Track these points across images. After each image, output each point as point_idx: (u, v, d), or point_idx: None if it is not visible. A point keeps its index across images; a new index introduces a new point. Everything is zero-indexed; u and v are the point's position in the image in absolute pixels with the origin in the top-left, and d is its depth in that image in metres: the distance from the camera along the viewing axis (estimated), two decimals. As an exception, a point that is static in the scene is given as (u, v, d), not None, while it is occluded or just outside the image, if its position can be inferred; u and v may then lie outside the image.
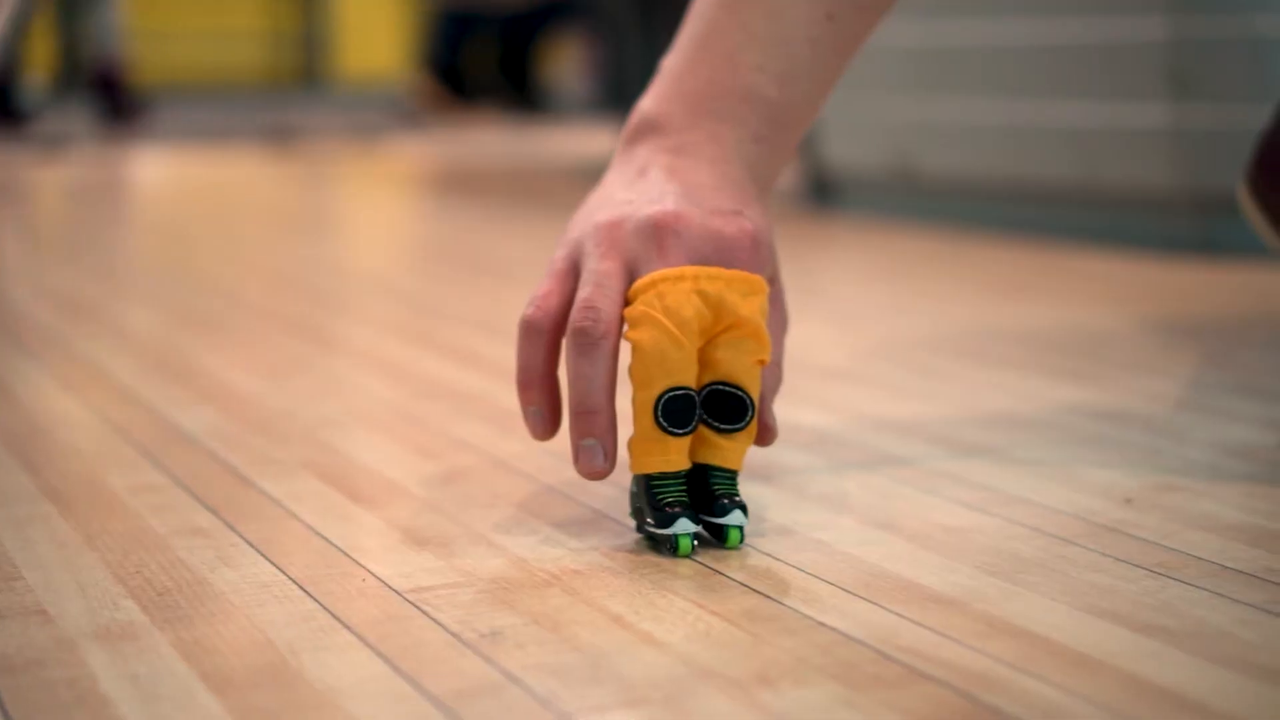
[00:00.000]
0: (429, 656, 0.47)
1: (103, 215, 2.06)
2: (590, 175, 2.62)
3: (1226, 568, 0.53)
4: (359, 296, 1.29)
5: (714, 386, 0.57)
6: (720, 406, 0.57)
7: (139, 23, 5.29)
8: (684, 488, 0.56)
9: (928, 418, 0.77)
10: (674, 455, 0.56)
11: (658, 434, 0.56)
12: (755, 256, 0.58)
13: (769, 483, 0.65)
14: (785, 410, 0.78)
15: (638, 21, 2.39)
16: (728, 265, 0.58)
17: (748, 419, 0.57)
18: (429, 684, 0.45)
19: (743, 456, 0.57)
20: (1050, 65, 1.41)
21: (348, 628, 0.50)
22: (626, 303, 0.57)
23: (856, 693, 0.44)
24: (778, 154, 0.63)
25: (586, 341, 0.56)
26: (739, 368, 0.56)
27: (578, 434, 0.57)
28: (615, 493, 0.64)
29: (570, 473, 0.67)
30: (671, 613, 0.51)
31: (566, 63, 4.99)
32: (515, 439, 0.74)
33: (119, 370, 0.92)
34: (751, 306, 0.57)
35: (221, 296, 1.25)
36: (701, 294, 0.56)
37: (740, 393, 0.56)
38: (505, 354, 0.95)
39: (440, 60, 4.18)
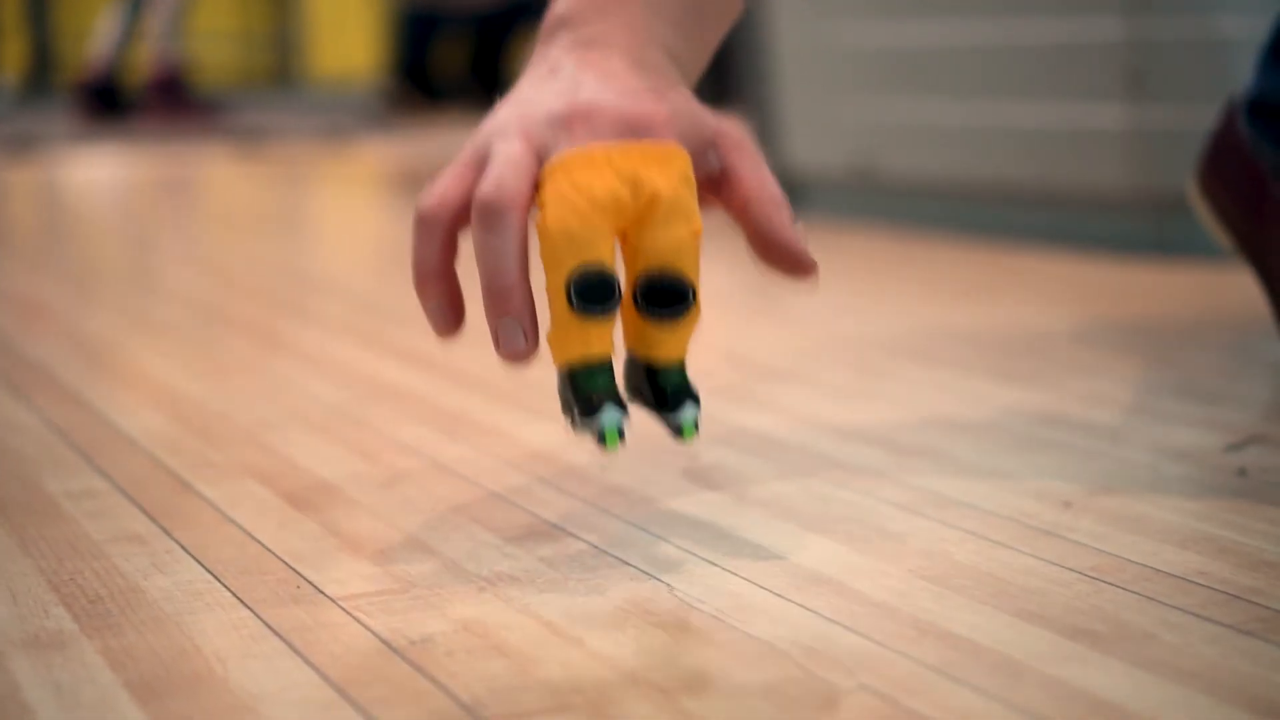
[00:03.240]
0: (357, 664, 0.47)
1: (67, 217, 2.05)
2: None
3: (1159, 571, 0.53)
4: (313, 298, 1.28)
5: (647, 275, 0.53)
6: (658, 295, 0.53)
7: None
8: (610, 375, 0.53)
9: (870, 420, 0.77)
10: (594, 341, 0.53)
11: (573, 318, 0.52)
12: (668, 132, 0.55)
13: (710, 487, 0.65)
14: (729, 412, 0.78)
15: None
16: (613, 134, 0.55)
17: (686, 304, 0.53)
18: (354, 692, 0.45)
19: (688, 342, 0.54)
20: (1008, 66, 1.42)
21: (277, 635, 0.50)
22: (537, 188, 0.54)
23: (783, 700, 0.44)
24: (696, 41, 0.61)
25: (490, 213, 0.53)
26: (668, 246, 0.53)
27: (493, 314, 0.54)
28: (555, 497, 0.64)
29: (513, 478, 0.67)
30: (602, 619, 0.51)
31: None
32: (458, 443, 0.74)
33: (67, 373, 0.92)
34: (669, 176, 0.53)
35: (176, 299, 1.25)
36: (615, 169, 0.53)
37: (673, 276, 0.53)
38: (454, 357, 0.95)
39: (407, 61, 4.17)
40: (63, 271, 1.44)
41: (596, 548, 0.58)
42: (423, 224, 0.55)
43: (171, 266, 1.48)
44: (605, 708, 0.44)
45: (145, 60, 3.66)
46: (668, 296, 0.53)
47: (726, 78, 2.77)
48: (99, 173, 2.72)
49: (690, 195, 0.54)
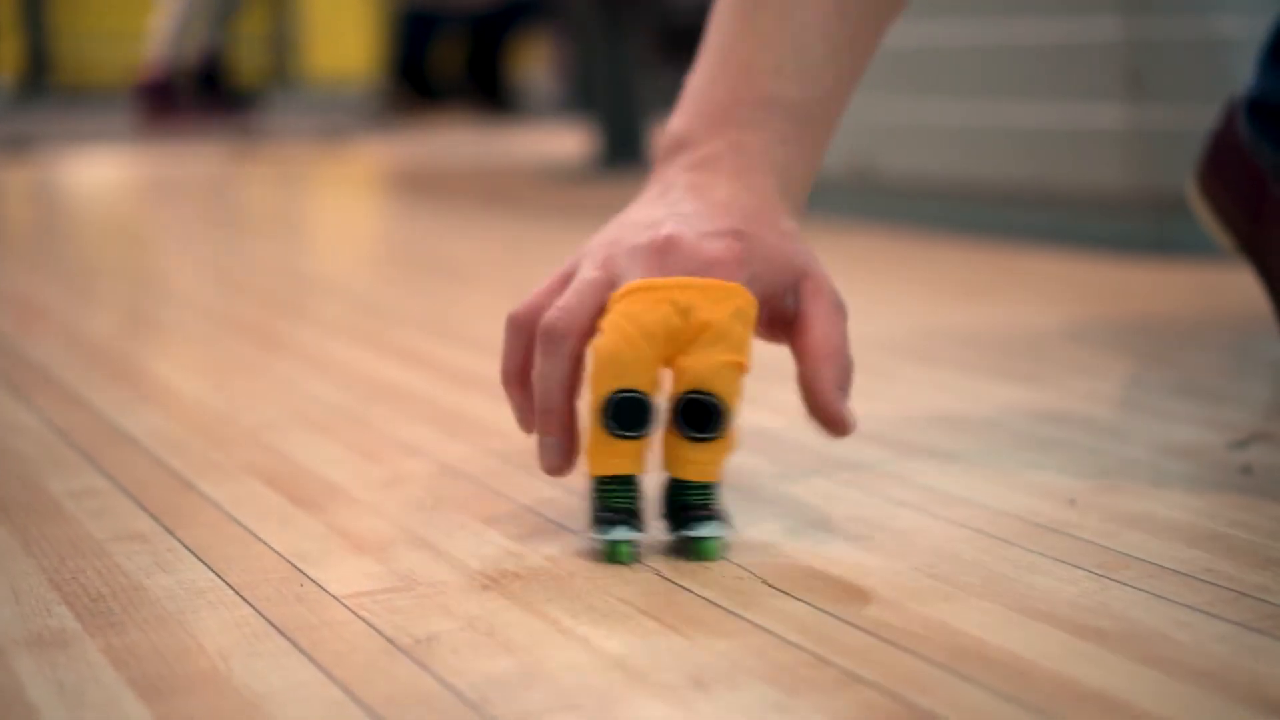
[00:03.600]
0: (362, 663, 0.47)
1: (63, 217, 2.05)
2: (556, 176, 2.61)
3: (1165, 569, 0.53)
4: (311, 298, 1.28)
5: (686, 396, 0.55)
6: (693, 416, 0.55)
7: (103, 24, 5.27)
8: (633, 494, 0.56)
9: (874, 419, 0.77)
10: (624, 459, 0.55)
11: (604, 436, 0.55)
12: (738, 274, 0.57)
13: (713, 485, 0.65)
14: (734, 412, 0.78)
15: (604, 22, 2.39)
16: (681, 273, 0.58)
17: (718, 427, 0.55)
18: (359, 690, 0.45)
19: (718, 466, 0.56)
20: (1007, 66, 1.42)
21: (282, 634, 0.49)
22: (603, 312, 0.57)
23: (789, 696, 0.44)
24: (807, 153, 0.64)
25: (548, 338, 0.57)
26: (707, 369, 0.55)
27: (540, 431, 0.58)
28: (559, 495, 0.64)
29: (516, 477, 0.67)
30: (609, 617, 0.50)
31: (535, 63, 4.98)
32: (461, 442, 0.73)
33: (66, 374, 0.91)
34: (722, 310, 0.56)
35: (174, 299, 1.24)
36: (672, 302, 0.56)
37: (709, 399, 0.55)
38: (455, 356, 0.95)
39: (404, 60, 4.17)
40: (60, 272, 1.43)
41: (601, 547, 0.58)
42: (510, 328, 0.60)
43: (170, 267, 1.47)
44: (613, 706, 0.43)
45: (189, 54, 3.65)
46: (701, 417, 0.55)
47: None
48: (96, 173, 2.72)
49: (742, 330, 0.56)
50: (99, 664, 0.47)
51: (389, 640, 0.49)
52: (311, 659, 0.47)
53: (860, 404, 0.81)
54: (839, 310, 0.59)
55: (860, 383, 0.86)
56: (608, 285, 0.58)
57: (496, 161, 2.79)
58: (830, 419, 0.58)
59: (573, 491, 0.65)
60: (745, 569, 0.55)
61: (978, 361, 0.90)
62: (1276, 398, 0.82)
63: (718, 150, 0.62)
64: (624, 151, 2.37)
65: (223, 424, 0.79)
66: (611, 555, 0.55)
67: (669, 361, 0.56)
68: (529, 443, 0.73)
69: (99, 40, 5.34)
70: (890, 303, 1.15)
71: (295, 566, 0.56)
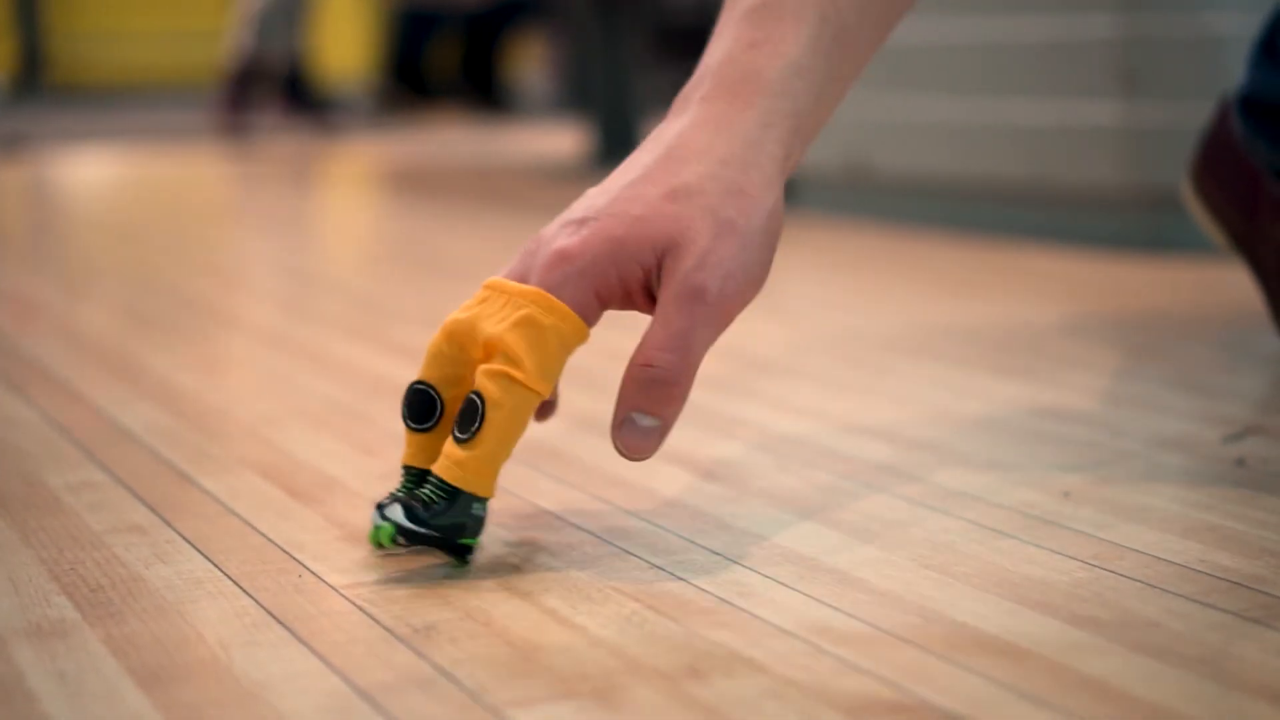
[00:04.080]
0: (361, 651, 0.47)
1: (58, 216, 2.05)
2: (551, 174, 2.61)
3: (1160, 559, 0.54)
4: (308, 295, 1.28)
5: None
6: (460, 414, 0.55)
7: (97, 23, 5.27)
8: (412, 483, 0.56)
9: (869, 413, 0.77)
10: (411, 449, 0.56)
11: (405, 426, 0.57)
12: (563, 267, 0.55)
13: (711, 479, 0.65)
14: (728, 406, 0.78)
15: (600, 21, 2.39)
16: (526, 276, 0.56)
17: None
18: (359, 679, 0.45)
19: (450, 461, 0.54)
20: (1002, 64, 1.42)
21: (280, 623, 0.50)
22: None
23: (786, 686, 0.44)
24: (820, 76, 0.58)
25: None
26: (479, 376, 0.54)
27: None
28: (554, 487, 0.64)
29: (510, 469, 0.67)
30: (605, 606, 0.51)
31: (529, 62, 4.98)
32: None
33: (64, 369, 0.92)
34: (503, 321, 0.54)
35: (170, 295, 1.24)
36: (481, 303, 0.56)
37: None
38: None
39: (401, 59, 4.17)
40: (55, 269, 1.44)
41: (598, 537, 0.58)
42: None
43: (164, 264, 1.47)
44: (611, 694, 0.44)
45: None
46: (463, 415, 0.54)
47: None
48: (90, 171, 2.72)
49: (515, 339, 0.54)
50: (99, 653, 0.47)
51: (387, 630, 0.49)
52: (310, 648, 0.47)
53: (857, 399, 0.81)
54: (686, 299, 0.54)
55: (856, 377, 0.86)
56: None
57: (492, 160, 2.79)
58: (614, 444, 0.55)
59: (568, 484, 0.65)
60: (741, 560, 0.55)
61: (974, 357, 0.91)
62: (1269, 392, 0.82)
63: (688, 85, 0.58)
64: (620, 149, 2.37)
65: (220, 418, 0.79)
66: (372, 536, 0.53)
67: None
68: (528, 437, 0.73)
69: (93, 40, 5.34)
70: (886, 299, 1.16)
71: (293, 557, 0.56)
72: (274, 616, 0.50)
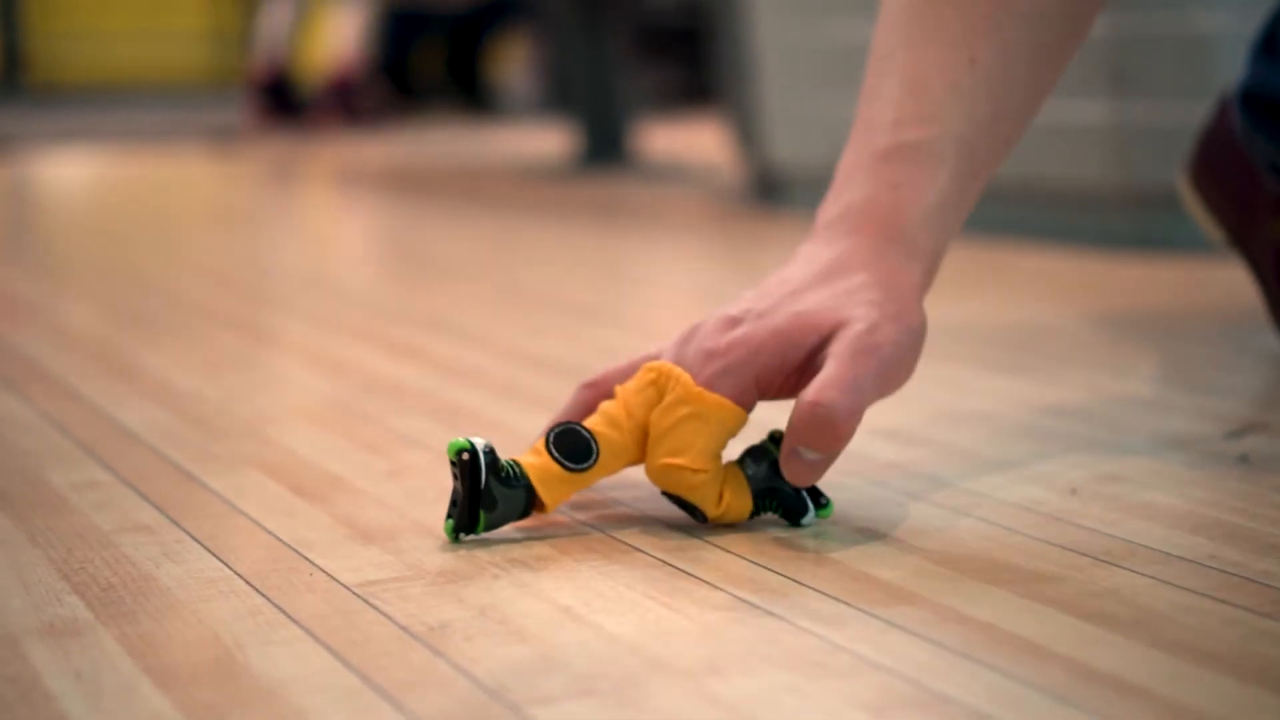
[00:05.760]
0: (377, 650, 0.47)
1: (43, 215, 2.04)
2: (537, 175, 2.60)
3: (1170, 555, 0.54)
4: (299, 294, 1.28)
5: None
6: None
7: (82, 22, 5.26)
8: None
9: (871, 412, 0.77)
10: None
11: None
12: (718, 362, 0.58)
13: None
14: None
15: (583, 22, 2.39)
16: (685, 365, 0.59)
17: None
18: (377, 677, 0.45)
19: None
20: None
21: (295, 622, 0.49)
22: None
23: (805, 681, 0.44)
24: (927, 188, 0.62)
25: (583, 383, 0.64)
26: (653, 472, 0.58)
27: None
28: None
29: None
30: (621, 604, 0.51)
31: (514, 63, 4.98)
32: (461, 434, 0.73)
33: (59, 368, 0.91)
34: (670, 417, 0.58)
35: (161, 295, 1.24)
36: (645, 389, 0.59)
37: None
38: (449, 350, 0.95)
39: (387, 60, 4.17)
40: (43, 268, 1.43)
41: (608, 535, 0.58)
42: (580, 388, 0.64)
43: (153, 263, 1.47)
44: (630, 691, 0.44)
45: (326, 59, 3.65)
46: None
47: (708, 75, 2.78)
48: (74, 171, 2.71)
49: (682, 430, 0.58)
50: (114, 652, 0.47)
51: (402, 628, 0.49)
52: (327, 646, 0.47)
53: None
54: (861, 352, 0.57)
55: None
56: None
57: (478, 160, 2.79)
58: (782, 471, 0.58)
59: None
60: (754, 558, 0.55)
61: (970, 355, 0.91)
62: (1267, 388, 0.83)
63: (828, 217, 0.63)
64: (604, 150, 2.37)
65: (220, 417, 0.79)
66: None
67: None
68: (531, 433, 0.73)
69: (73, 39, 5.32)
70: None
71: (304, 556, 0.56)
72: (288, 615, 0.50)
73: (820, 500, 0.59)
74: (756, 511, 0.59)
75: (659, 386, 0.59)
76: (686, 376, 0.58)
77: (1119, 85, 1.31)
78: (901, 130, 0.62)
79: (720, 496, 0.58)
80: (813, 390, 0.56)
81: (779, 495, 0.59)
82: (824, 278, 0.60)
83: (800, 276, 0.60)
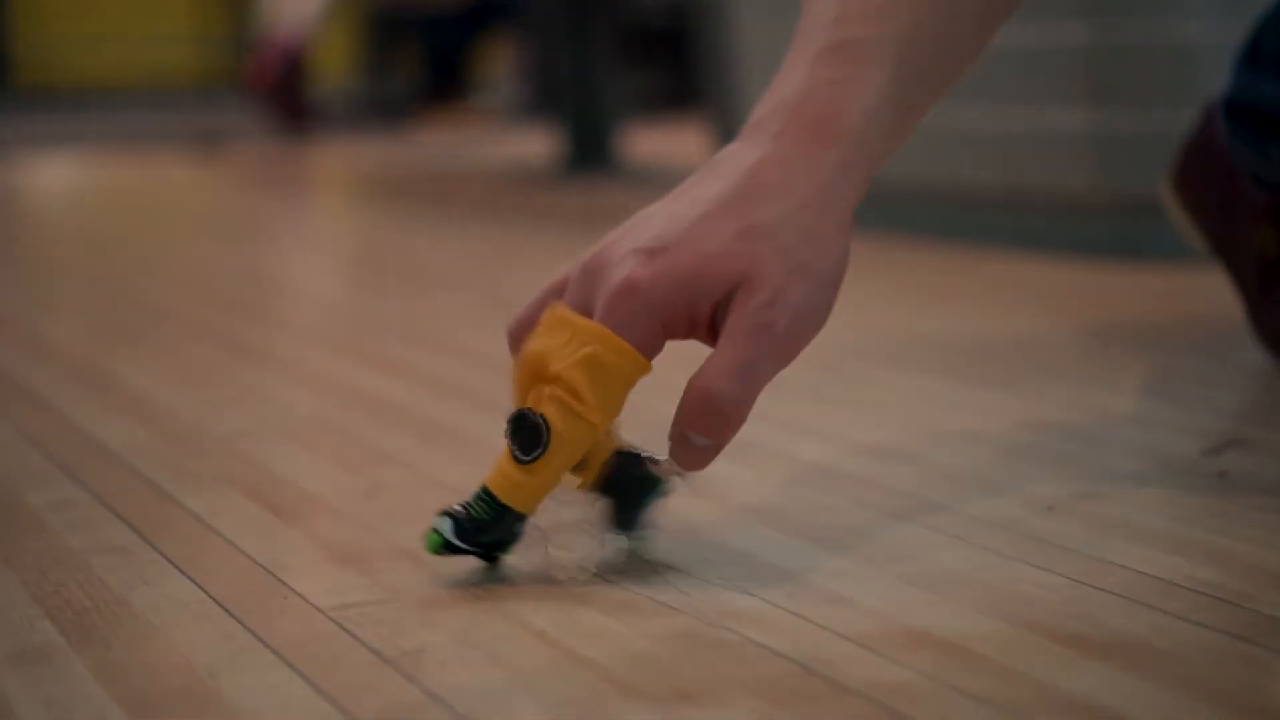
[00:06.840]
0: (351, 677, 0.47)
1: (23, 222, 2.03)
2: (524, 179, 2.59)
3: (1146, 575, 0.54)
4: (281, 305, 1.28)
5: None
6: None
7: (66, 26, 5.24)
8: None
9: (849, 426, 0.77)
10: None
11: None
12: (630, 303, 0.54)
13: (695, 495, 0.65)
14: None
15: (569, 24, 2.39)
16: (590, 302, 0.56)
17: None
18: (350, 705, 0.45)
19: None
20: (972, 70, 1.42)
21: (269, 647, 0.49)
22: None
23: (777, 708, 0.44)
24: (869, 88, 0.59)
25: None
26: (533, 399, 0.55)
27: None
28: (542, 506, 0.64)
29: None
30: (595, 629, 0.50)
31: (497, 65, 4.98)
32: (439, 451, 0.73)
33: (36, 382, 0.91)
34: (567, 358, 0.54)
35: (141, 306, 1.24)
36: (547, 335, 0.56)
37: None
38: (429, 363, 0.95)
39: (372, 63, 4.16)
40: (22, 278, 1.43)
41: (585, 558, 0.58)
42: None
43: (134, 273, 1.47)
44: (599, 717, 0.44)
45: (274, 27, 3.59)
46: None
47: (691, 79, 2.78)
48: (57, 177, 2.70)
49: (581, 377, 0.54)
50: (85, 680, 0.47)
51: (376, 653, 0.49)
52: (299, 673, 0.47)
53: (835, 410, 0.81)
54: (755, 332, 0.54)
55: (834, 388, 0.86)
56: (556, 293, 0.57)
57: (461, 165, 2.79)
58: (670, 454, 0.56)
59: (557, 500, 0.65)
60: (728, 580, 0.55)
61: (949, 367, 0.91)
62: (1248, 403, 0.83)
63: (759, 115, 0.59)
64: (591, 154, 2.37)
65: (197, 433, 0.78)
66: (425, 541, 0.55)
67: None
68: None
69: (59, 43, 5.31)
70: (859, 308, 1.16)
71: (279, 579, 0.56)
72: (261, 640, 0.50)
73: (640, 530, 0.58)
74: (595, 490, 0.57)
75: (558, 336, 0.55)
76: (585, 321, 0.55)
77: (1099, 93, 1.31)
78: (843, 26, 0.59)
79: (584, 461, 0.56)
80: (703, 376, 0.54)
81: (618, 493, 0.57)
82: (741, 196, 0.56)
83: (717, 192, 0.56)
